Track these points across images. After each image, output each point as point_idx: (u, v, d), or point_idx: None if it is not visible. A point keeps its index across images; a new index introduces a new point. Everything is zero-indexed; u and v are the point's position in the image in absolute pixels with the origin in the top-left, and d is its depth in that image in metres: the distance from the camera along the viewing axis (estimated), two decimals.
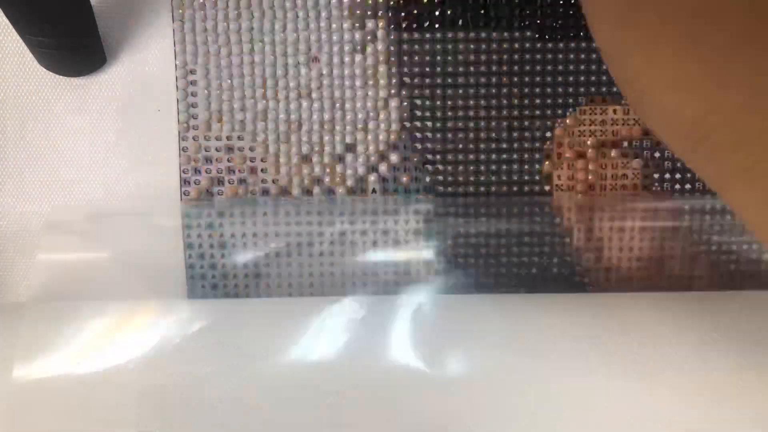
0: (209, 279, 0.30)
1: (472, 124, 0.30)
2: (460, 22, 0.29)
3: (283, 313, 0.28)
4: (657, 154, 0.30)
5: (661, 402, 0.26)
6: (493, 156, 0.30)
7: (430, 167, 0.30)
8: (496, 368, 0.26)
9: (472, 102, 0.30)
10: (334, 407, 0.26)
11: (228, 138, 0.30)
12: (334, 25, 0.29)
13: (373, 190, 0.30)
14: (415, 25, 0.29)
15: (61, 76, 0.29)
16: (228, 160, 0.30)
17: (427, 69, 0.30)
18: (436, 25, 0.29)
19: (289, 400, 0.26)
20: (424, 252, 0.30)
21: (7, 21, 0.26)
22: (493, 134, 0.30)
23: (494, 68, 0.30)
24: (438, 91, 0.30)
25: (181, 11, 0.29)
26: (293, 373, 0.26)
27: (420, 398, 0.26)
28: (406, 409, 0.26)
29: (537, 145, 0.30)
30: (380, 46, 0.29)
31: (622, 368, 0.26)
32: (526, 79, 0.30)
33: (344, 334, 0.27)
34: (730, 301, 0.28)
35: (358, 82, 0.30)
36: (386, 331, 0.27)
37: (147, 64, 0.30)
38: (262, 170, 0.30)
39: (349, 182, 0.30)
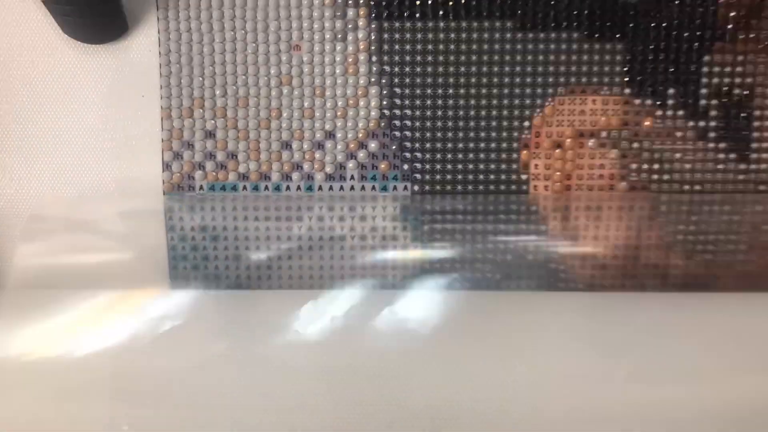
0: (191, 260, 0.30)
1: (451, 113, 0.30)
2: (441, 11, 0.30)
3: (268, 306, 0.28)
4: (635, 145, 0.30)
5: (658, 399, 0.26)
6: (472, 144, 0.30)
7: (408, 155, 0.30)
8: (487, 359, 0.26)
9: (451, 91, 0.30)
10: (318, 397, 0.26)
11: (209, 124, 0.30)
12: (315, 14, 0.30)
13: (351, 177, 0.30)
14: (396, 14, 0.30)
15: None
16: (208, 146, 0.30)
17: (408, 58, 0.30)
18: (417, 15, 0.30)
19: (271, 391, 0.26)
20: (401, 238, 0.30)
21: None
22: (472, 123, 0.30)
23: (474, 57, 0.30)
24: (418, 80, 0.30)
25: None
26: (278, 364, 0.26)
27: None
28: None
29: (515, 134, 0.30)
30: (361, 35, 0.30)
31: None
32: (506, 68, 0.30)
33: (330, 327, 0.27)
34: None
35: (338, 70, 0.30)
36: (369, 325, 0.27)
37: (131, 51, 0.30)
38: (242, 156, 0.30)
39: (328, 169, 0.30)
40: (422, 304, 0.28)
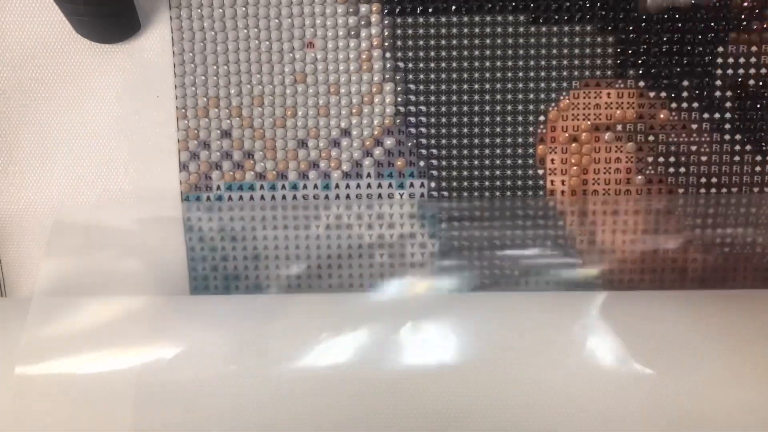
0: (209, 262, 0.31)
1: (466, 108, 0.30)
2: (454, 6, 0.29)
3: (285, 310, 0.28)
4: (651, 138, 0.30)
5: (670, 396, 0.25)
6: (488, 140, 0.30)
7: (424, 151, 0.30)
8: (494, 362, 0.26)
9: (466, 86, 0.30)
10: (342, 405, 0.26)
11: (225, 124, 0.30)
12: (328, 10, 0.29)
13: (368, 174, 0.30)
14: (408, 10, 0.30)
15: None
16: (225, 146, 0.30)
17: (421, 53, 0.30)
18: (430, 10, 0.30)
19: (295, 402, 0.26)
20: (418, 235, 0.30)
21: None
22: (488, 118, 0.30)
23: (488, 52, 0.30)
24: (432, 76, 0.30)
25: None
26: (300, 375, 0.26)
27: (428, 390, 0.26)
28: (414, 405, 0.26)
29: (531, 128, 0.30)
30: (374, 31, 0.30)
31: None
32: (520, 62, 0.30)
33: (351, 332, 0.27)
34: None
35: (352, 67, 0.30)
36: (390, 329, 0.27)
37: (145, 51, 0.30)
38: (258, 155, 0.30)
39: (345, 167, 0.30)
40: (441, 307, 0.28)
